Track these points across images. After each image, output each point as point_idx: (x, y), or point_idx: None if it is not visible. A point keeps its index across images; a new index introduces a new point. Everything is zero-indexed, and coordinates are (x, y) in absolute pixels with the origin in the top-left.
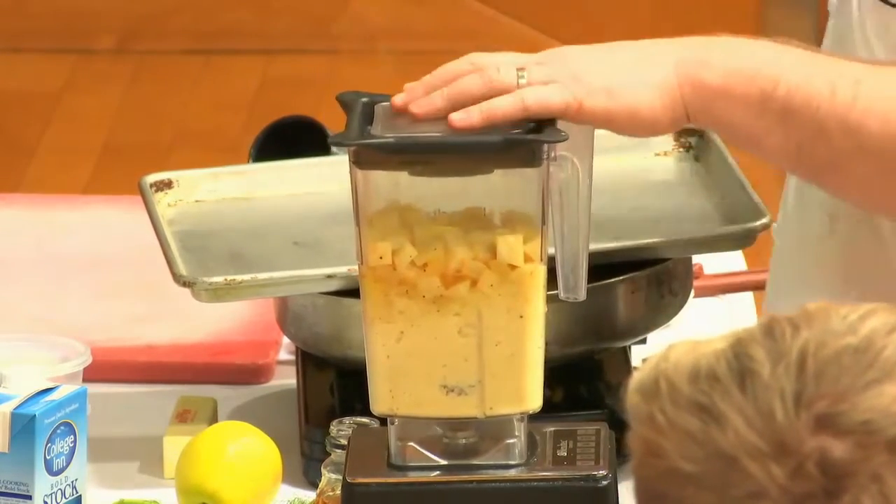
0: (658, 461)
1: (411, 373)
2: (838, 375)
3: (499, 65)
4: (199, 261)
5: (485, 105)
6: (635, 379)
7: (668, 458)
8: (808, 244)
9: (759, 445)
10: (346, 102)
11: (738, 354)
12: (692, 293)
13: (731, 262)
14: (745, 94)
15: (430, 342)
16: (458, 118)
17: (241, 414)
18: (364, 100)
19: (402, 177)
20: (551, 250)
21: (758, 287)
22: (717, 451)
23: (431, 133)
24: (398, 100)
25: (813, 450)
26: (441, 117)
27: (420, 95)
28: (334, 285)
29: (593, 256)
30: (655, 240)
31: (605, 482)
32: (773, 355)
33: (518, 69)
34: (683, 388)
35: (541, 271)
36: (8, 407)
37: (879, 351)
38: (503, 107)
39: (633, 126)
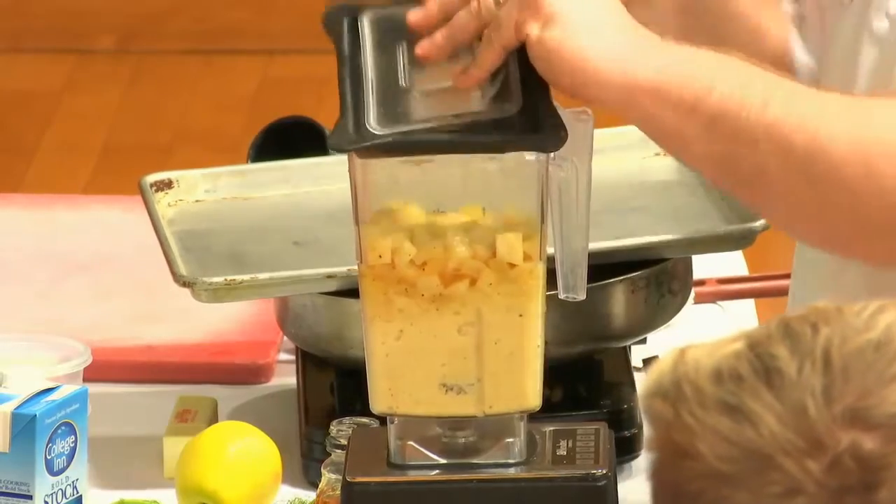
0: (693, 463)
1: (411, 371)
2: (864, 370)
3: None
4: (199, 261)
5: (473, 64)
6: (651, 384)
7: (704, 459)
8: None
9: (795, 442)
10: (330, 28)
11: (760, 354)
12: (692, 297)
13: (730, 262)
14: (679, 95)
15: (429, 341)
16: (461, 79)
17: (241, 414)
18: (348, 19)
19: (402, 175)
20: (551, 249)
21: (758, 294)
22: (751, 450)
23: (431, 124)
24: (413, 17)
25: (847, 444)
26: (442, 61)
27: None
28: (334, 285)
29: (593, 256)
30: (655, 240)
31: (604, 481)
32: (797, 353)
33: None
34: (708, 389)
35: (540, 269)
36: (8, 407)
37: None
38: (484, 58)
39: (558, 62)
